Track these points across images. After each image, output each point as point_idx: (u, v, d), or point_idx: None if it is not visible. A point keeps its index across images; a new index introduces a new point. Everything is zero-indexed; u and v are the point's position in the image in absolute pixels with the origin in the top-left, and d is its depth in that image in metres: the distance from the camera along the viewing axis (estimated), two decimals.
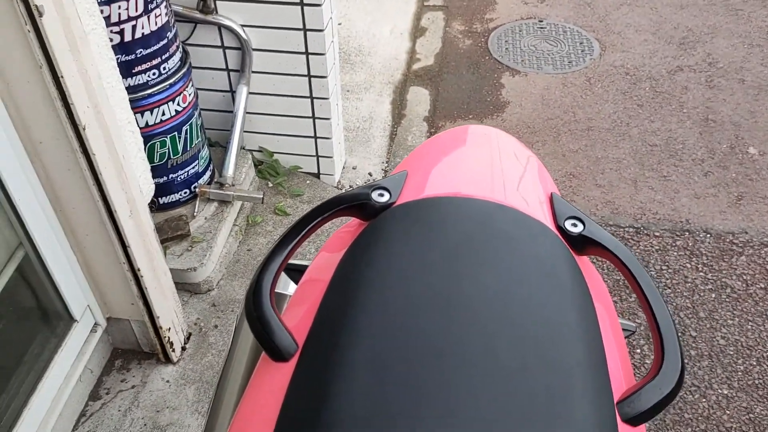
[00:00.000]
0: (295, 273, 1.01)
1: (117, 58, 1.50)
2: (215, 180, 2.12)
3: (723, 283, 2.07)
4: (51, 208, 1.45)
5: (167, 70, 1.78)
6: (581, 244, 0.83)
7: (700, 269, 2.11)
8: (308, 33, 2.00)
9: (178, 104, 1.85)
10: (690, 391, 1.81)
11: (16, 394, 1.47)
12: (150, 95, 1.77)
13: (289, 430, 0.64)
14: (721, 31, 3.19)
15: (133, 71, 1.71)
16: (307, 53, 2.05)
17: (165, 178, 1.94)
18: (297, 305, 0.80)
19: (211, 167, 2.12)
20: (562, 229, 0.84)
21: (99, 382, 1.75)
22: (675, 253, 2.17)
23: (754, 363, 1.86)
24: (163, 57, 1.75)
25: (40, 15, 1.15)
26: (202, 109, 2.11)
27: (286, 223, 2.22)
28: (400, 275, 0.74)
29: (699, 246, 2.19)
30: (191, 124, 1.93)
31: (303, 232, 0.81)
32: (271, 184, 2.34)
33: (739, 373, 1.83)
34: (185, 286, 1.96)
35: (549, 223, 0.84)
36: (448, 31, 3.34)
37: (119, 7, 1.59)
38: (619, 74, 2.96)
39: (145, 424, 1.66)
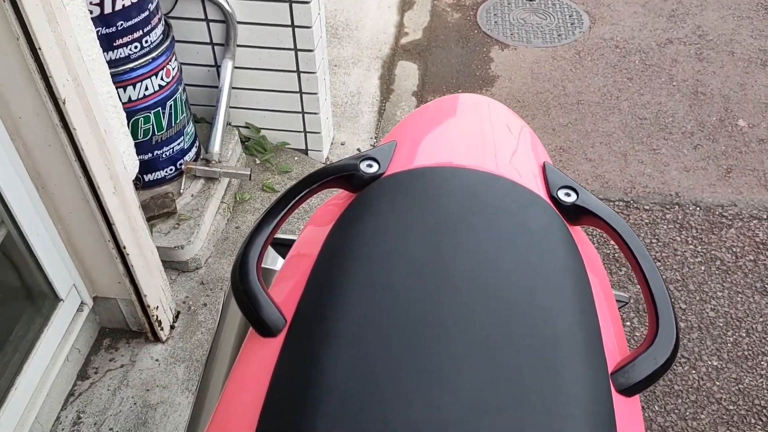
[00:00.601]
0: (283, 248, 0.99)
1: (97, 31, 1.45)
2: (201, 157, 2.09)
3: (712, 255, 2.07)
4: (33, 186, 1.42)
5: (149, 43, 1.74)
6: (575, 213, 0.82)
7: (690, 242, 2.11)
8: (294, 5, 1.96)
9: (162, 79, 1.81)
10: (680, 362, 1.81)
11: (1, 375, 1.45)
12: (132, 69, 1.72)
13: (278, 405, 0.62)
14: (711, 3, 3.16)
15: (114, 44, 1.67)
16: (293, 26, 2.01)
17: (150, 154, 1.91)
18: (285, 280, 0.79)
19: (197, 144, 2.09)
20: (555, 199, 0.82)
21: (87, 361, 1.73)
22: (665, 227, 2.16)
23: (744, 334, 1.87)
24: (145, 30, 1.71)
25: None
26: (186, 85, 2.07)
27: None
28: (390, 248, 0.73)
29: (689, 219, 2.19)
30: (176, 99, 1.89)
31: (290, 205, 0.79)
32: (258, 161, 2.31)
33: (729, 345, 1.84)
34: (173, 265, 1.94)
35: (542, 192, 0.82)
36: (437, 5, 3.29)
37: None
38: (608, 47, 2.94)
39: (135, 403, 1.65)
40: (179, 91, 1.91)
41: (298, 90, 2.18)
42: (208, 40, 2.10)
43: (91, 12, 1.52)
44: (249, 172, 2.02)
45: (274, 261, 1.02)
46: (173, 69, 1.85)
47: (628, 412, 0.66)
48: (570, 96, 2.70)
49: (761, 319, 1.90)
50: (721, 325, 1.89)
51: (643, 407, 1.72)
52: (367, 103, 2.65)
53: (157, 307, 1.71)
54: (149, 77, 1.77)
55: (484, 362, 0.62)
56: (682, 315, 1.92)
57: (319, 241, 0.78)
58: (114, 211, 1.46)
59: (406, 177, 0.81)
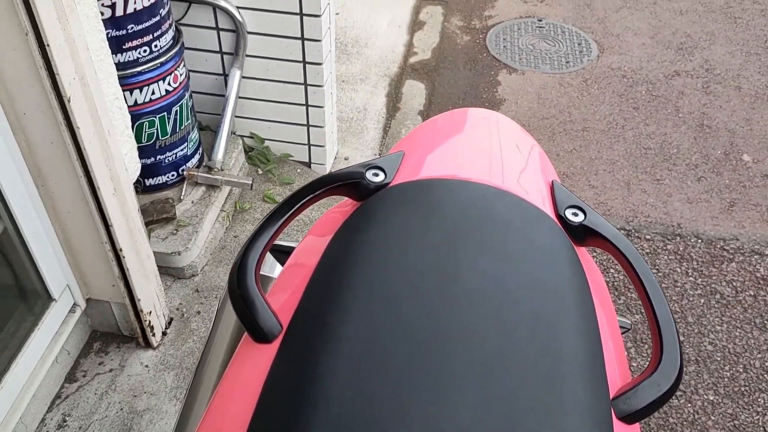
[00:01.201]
0: (283, 255, 0.97)
1: (107, 33, 1.45)
2: (204, 164, 2.08)
3: (712, 288, 2.05)
4: (32, 182, 1.41)
5: (159, 48, 1.74)
6: (581, 234, 0.80)
7: (690, 274, 2.10)
8: (305, 18, 1.97)
9: (169, 84, 1.81)
10: (676, 395, 1.79)
11: None
12: (140, 73, 1.72)
13: (270, 412, 0.61)
14: (719, 38, 3.18)
15: (124, 47, 1.67)
16: (303, 38, 2.02)
17: (152, 159, 1.90)
18: (283, 286, 0.77)
19: (200, 151, 2.08)
20: (562, 218, 0.81)
21: (76, 364, 1.71)
22: (665, 257, 2.15)
23: (741, 370, 1.84)
24: (155, 34, 1.71)
25: None
26: (193, 92, 2.07)
27: None
28: (392, 258, 0.71)
29: (690, 251, 2.17)
30: (181, 105, 1.88)
31: (293, 209, 0.78)
32: (260, 171, 2.30)
33: (726, 380, 1.82)
34: (169, 270, 1.92)
35: (549, 211, 0.81)
36: (447, 26, 3.31)
37: None
38: (616, 76, 2.95)
39: (121, 408, 1.62)
40: (186, 98, 1.90)
41: (304, 102, 2.18)
42: (218, 49, 2.10)
43: (102, 14, 1.52)
44: (251, 182, 2.01)
45: (272, 268, 1.01)
46: (181, 75, 1.85)
47: None
48: (575, 123, 2.70)
49: (759, 356, 1.87)
50: (719, 359, 1.87)
51: None
52: (372, 120, 2.65)
53: (150, 312, 1.68)
54: (156, 82, 1.77)
55: (484, 380, 0.61)
56: None
57: (320, 248, 0.77)
58: (113, 213, 1.45)
59: (411, 188, 0.80)
